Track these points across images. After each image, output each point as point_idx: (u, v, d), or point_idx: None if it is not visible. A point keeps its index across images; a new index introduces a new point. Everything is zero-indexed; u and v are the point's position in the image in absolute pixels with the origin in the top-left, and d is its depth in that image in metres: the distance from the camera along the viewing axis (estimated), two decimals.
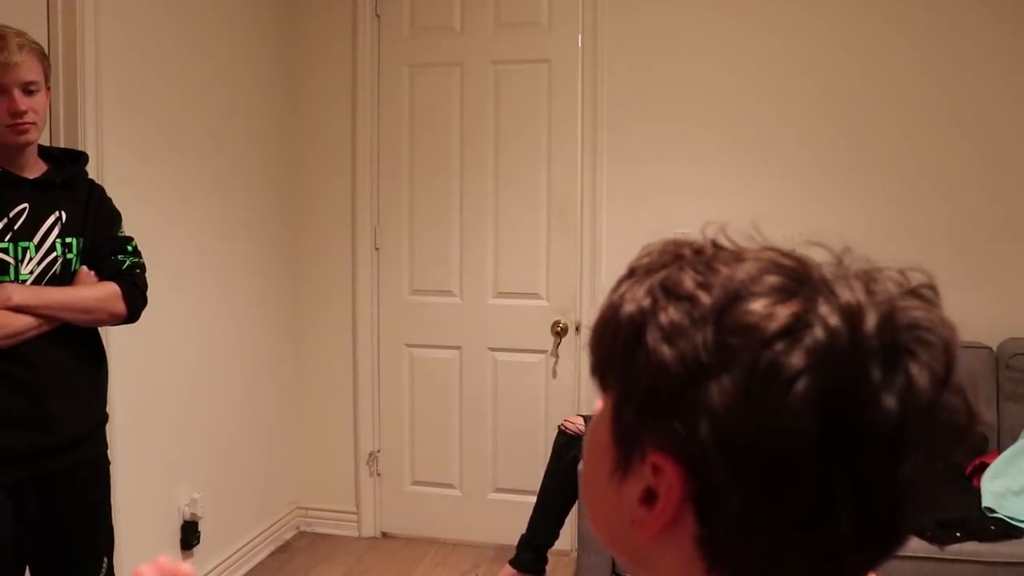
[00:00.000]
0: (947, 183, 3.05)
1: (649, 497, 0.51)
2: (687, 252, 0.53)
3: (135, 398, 2.61)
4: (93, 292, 1.89)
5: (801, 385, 0.45)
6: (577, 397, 3.35)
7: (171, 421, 2.81)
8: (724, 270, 0.50)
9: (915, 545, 2.36)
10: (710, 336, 0.47)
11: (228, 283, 3.13)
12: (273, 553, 3.42)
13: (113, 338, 2.39)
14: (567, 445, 2.91)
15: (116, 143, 2.49)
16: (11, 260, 1.80)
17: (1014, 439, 2.74)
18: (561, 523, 2.94)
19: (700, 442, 0.47)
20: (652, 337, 0.49)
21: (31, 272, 1.83)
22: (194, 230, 2.91)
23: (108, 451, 2.06)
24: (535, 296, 3.38)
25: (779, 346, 0.46)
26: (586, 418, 2.91)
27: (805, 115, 3.13)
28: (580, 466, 2.76)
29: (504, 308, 3.41)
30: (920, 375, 0.46)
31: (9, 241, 1.80)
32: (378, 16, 3.44)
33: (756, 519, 0.47)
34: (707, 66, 3.19)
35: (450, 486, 3.54)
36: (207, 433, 3.01)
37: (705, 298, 0.49)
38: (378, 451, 3.58)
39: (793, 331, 0.46)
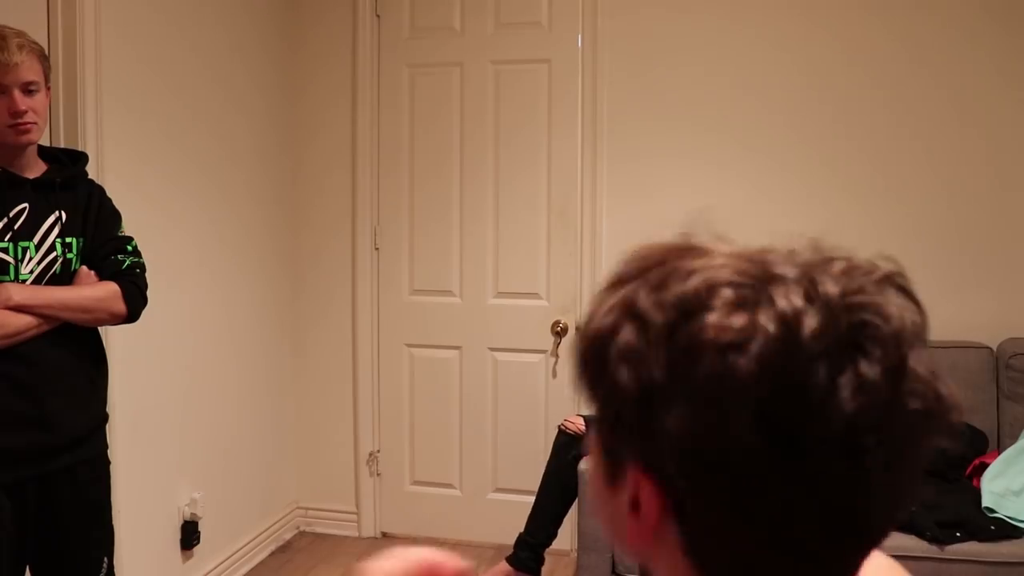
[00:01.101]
0: (948, 183, 3.05)
1: (635, 506, 0.52)
2: (653, 263, 0.53)
3: (135, 398, 2.60)
4: (93, 291, 1.89)
5: (749, 397, 0.45)
6: (577, 397, 3.35)
7: (171, 421, 2.81)
8: (676, 286, 0.50)
9: (915, 545, 2.36)
10: (662, 356, 0.48)
11: (228, 283, 3.13)
12: (273, 553, 3.42)
13: (113, 338, 2.39)
14: (567, 445, 2.90)
15: (116, 143, 2.49)
16: (11, 260, 1.81)
17: (1014, 439, 2.74)
18: (559, 523, 2.93)
19: (662, 459, 0.49)
20: (613, 359, 0.50)
21: (31, 272, 1.83)
22: (194, 230, 2.91)
23: (108, 451, 2.05)
24: (535, 296, 3.38)
25: (724, 361, 0.46)
26: (586, 418, 2.91)
27: (805, 114, 3.13)
28: (581, 465, 2.76)
29: (504, 308, 3.42)
30: (870, 371, 0.46)
31: (9, 241, 1.80)
32: (378, 16, 3.44)
33: (727, 525, 0.49)
34: (707, 66, 3.19)
35: (450, 486, 3.54)
36: (207, 433, 3.02)
37: (658, 317, 0.49)
38: (378, 451, 3.58)
39: (737, 345, 0.46)
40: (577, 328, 0.52)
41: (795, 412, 0.45)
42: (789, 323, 0.46)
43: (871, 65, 3.07)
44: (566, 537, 3.08)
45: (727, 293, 0.48)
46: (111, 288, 1.91)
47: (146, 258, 2.05)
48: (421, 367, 3.53)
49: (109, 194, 2.04)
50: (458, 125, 3.41)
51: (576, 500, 2.84)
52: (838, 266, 0.49)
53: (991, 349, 2.88)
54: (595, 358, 0.52)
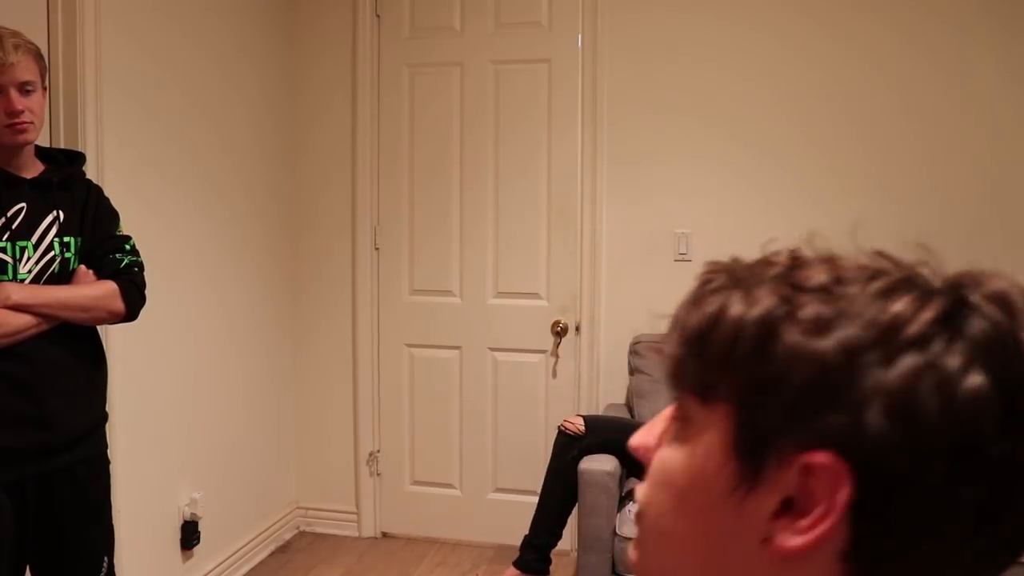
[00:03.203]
0: (951, 182, 3.05)
1: (790, 506, 0.46)
2: (780, 259, 0.51)
3: (135, 398, 2.60)
4: (92, 290, 1.89)
5: (972, 378, 0.43)
6: (577, 397, 3.35)
7: (171, 421, 2.81)
8: (851, 265, 0.48)
9: None
10: (862, 326, 0.45)
11: (228, 283, 3.13)
12: (273, 553, 3.42)
13: (113, 338, 2.39)
14: (567, 445, 2.90)
15: (116, 143, 2.49)
16: (9, 259, 1.81)
17: None
18: (563, 523, 2.93)
19: (875, 431, 0.44)
20: (794, 333, 0.46)
21: (29, 271, 1.83)
22: (194, 230, 2.91)
23: (108, 451, 2.05)
24: (535, 296, 3.38)
25: (941, 338, 0.44)
26: (586, 418, 2.91)
27: (806, 114, 3.13)
28: (581, 465, 2.76)
29: (504, 308, 3.41)
30: None
31: (7, 241, 1.80)
32: (378, 16, 3.44)
33: (927, 519, 0.44)
34: (707, 65, 3.19)
35: (450, 486, 3.54)
36: (207, 433, 3.01)
37: (844, 290, 0.47)
38: (378, 451, 3.58)
39: (948, 322, 0.45)
40: (685, 330, 0.41)
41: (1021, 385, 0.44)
42: (1005, 301, 0.47)
43: (875, 62, 3.07)
44: (566, 537, 3.08)
45: (900, 275, 0.48)
46: (110, 287, 1.91)
47: (146, 258, 2.05)
48: (421, 367, 3.53)
49: (109, 194, 2.04)
50: (458, 125, 3.41)
51: (578, 501, 2.84)
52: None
53: None
54: (758, 339, 0.47)
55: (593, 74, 3.26)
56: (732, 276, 0.51)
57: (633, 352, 3.19)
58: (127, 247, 1.99)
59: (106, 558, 1.99)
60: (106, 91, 2.44)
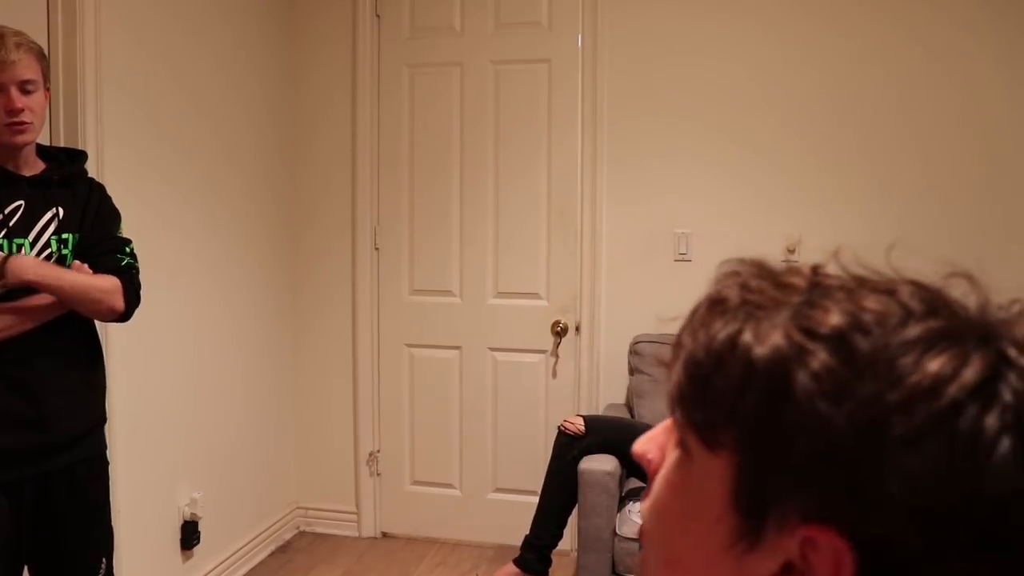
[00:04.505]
0: (950, 183, 3.05)
1: (789, 571, 0.44)
2: (798, 281, 0.47)
3: (135, 398, 2.60)
4: (99, 282, 1.86)
5: (1005, 446, 0.40)
6: (577, 397, 3.35)
7: (171, 421, 2.81)
8: (873, 305, 0.43)
9: None
10: (884, 392, 0.41)
11: (228, 283, 3.13)
12: (273, 553, 3.42)
13: (113, 338, 2.39)
14: (567, 445, 2.90)
15: (116, 143, 2.49)
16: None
17: None
18: (564, 523, 2.93)
19: (886, 513, 0.40)
20: (804, 391, 0.42)
21: None
22: (194, 230, 2.91)
23: (107, 452, 2.05)
24: (535, 296, 3.38)
25: (974, 407, 0.40)
26: (586, 418, 2.91)
27: (806, 115, 3.13)
28: (581, 465, 2.76)
29: (504, 308, 3.41)
30: None
31: (4, 238, 1.79)
32: (378, 16, 3.44)
33: None
34: (707, 66, 3.19)
35: (450, 486, 3.54)
36: (207, 433, 3.01)
37: (863, 342, 0.42)
38: (378, 451, 3.58)
39: (987, 387, 0.41)
40: (687, 358, 0.46)
41: None
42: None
43: (876, 63, 3.06)
44: (566, 537, 3.08)
45: (937, 324, 0.43)
46: (115, 282, 1.89)
47: (146, 258, 2.05)
48: (421, 367, 3.53)
49: (109, 193, 2.04)
50: (458, 125, 3.41)
51: (578, 501, 2.84)
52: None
53: None
54: (768, 390, 0.43)
55: (593, 74, 3.26)
56: (746, 297, 0.47)
57: (633, 352, 3.19)
58: (127, 249, 1.98)
59: (104, 559, 1.99)
60: (106, 91, 2.44)
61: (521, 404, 3.42)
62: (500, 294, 3.42)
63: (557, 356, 3.37)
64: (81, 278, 1.84)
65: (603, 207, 3.29)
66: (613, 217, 3.29)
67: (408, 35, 3.43)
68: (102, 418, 2.02)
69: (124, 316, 1.94)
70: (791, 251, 3.10)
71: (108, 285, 1.88)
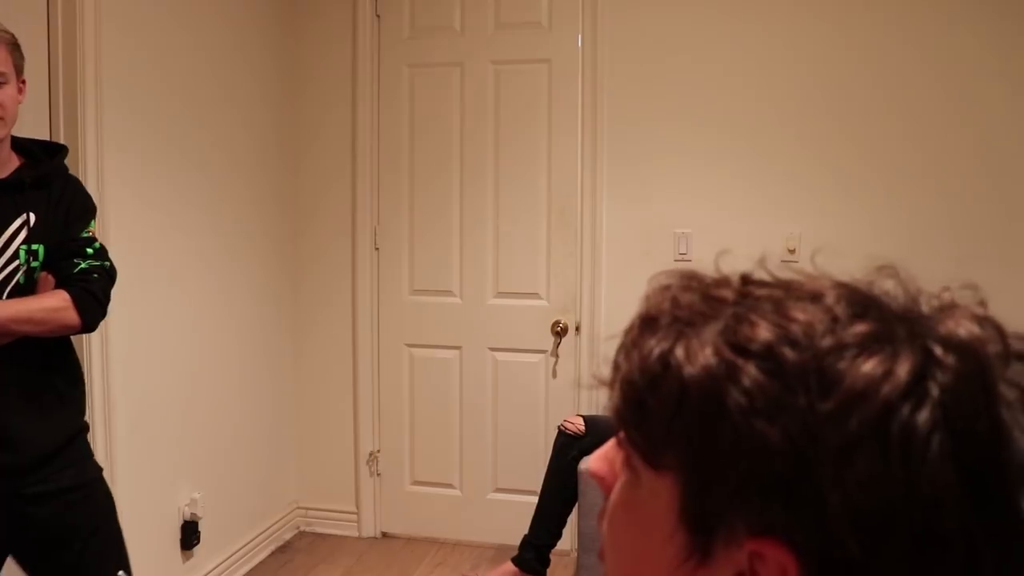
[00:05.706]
0: (949, 182, 3.05)
1: None
2: (727, 293, 0.47)
3: (135, 398, 2.60)
4: (42, 303, 1.70)
5: (936, 444, 0.41)
6: (577, 397, 3.35)
7: (171, 421, 2.81)
8: (799, 315, 0.44)
9: None
10: (816, 403, 0.41)
11: (228, 283, 3.13)
12: (273, 553, 3.42)
13: (113, 338, 2.39)
14: (567, 445, 2.91)
15: (116, 143, 2.48)
16: None
17: None
18: (563, 523, 2.93)
19: (827, 524, 0.41)
20: (738, 409, 0.42)
21: None
22: (194, 230, 2.91)
23: (91, 461, 1.92)
24: (535, 296, 3.38)
25: (906, 407, 0.41)
26: (586, 418, 2.91)
27: (806, 115, 3.13)
28: (581, 465, 2.76)
29: (504, 308, 3.41)
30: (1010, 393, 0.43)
31: None
32: (378, 16, 3.44)
33: None
34: (707, 65, 3.19)
35: (450, 486, 3.54)
36: (207, 433, 3.01)
37: (792, 355, 0.42)
38: (378, 451, 3.58)
39: (916, 387, 0.41)
40: (624, 378, 0.45)
41: (982, 450, 0.42)
42: (972, 354, 0.43)
43: (876, 63, 3.06)
44: (566, 537, 3.08)
45: (867, 328, 0.43)
46: (61, 297, 1.72)
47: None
48: (421, 367, 3.53)
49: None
50: (458, 125, 3.41)
51: (578, 501, 2.84)
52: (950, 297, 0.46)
53: None
54: (702, 411, 0.44)
55: (593, 74, 3.26)
56: (676, 314, 0.47)
57: None
58: (89, 251, 1.80)
59: (122, 572, 1.90)
60: (106, 91, 2.44)
61: (521, 404, 3.42)
62: (500, 294, 3.42)
63: (557, 356, 3.37)
64: (21, 305, 1.68)
65: (603, 207, 3.29)
66: (613, 217, 3.29)
67: (408, 35, 3.43)
68: (77, 430, 1.88)
69: (85, 328, 1.77)
70: (792, 251, 3.10)
71: (53, 303, 1.71)
